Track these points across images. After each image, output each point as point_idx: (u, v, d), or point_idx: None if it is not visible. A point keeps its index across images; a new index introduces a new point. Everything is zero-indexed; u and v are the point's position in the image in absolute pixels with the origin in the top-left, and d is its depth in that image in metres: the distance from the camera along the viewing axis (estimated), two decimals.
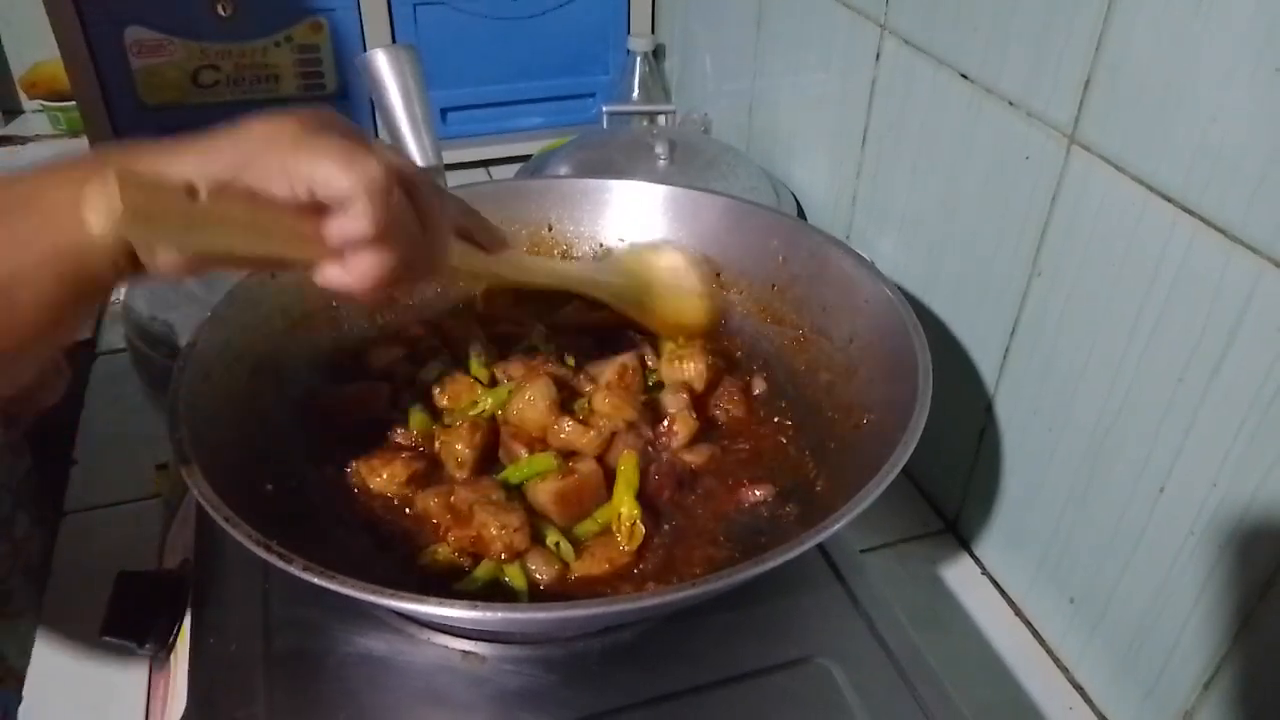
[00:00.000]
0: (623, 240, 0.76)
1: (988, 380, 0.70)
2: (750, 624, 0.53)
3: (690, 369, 0.66)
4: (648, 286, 0.69)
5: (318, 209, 0.42)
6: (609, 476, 0.58)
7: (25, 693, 0.64)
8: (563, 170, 0.95)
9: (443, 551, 0.55)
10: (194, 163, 0.40)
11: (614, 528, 0.56)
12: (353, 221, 0.42)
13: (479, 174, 1.23)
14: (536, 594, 0.54)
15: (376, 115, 1.16)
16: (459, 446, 0.59)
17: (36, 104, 1.54)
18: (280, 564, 0.43)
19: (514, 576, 0.54)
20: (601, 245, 0.76)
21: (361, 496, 0.59)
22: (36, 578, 0.73)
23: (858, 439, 0.59)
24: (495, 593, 0.53)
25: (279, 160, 0.41)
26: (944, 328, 0.74)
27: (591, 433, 0.60)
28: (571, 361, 0.67)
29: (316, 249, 0.43)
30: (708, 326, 0.70)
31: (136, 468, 0.80)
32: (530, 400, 0.61)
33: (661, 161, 0.92)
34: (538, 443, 0.60)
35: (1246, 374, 0.49)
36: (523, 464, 0.59)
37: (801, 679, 0.51)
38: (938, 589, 0.73)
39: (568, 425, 0.60)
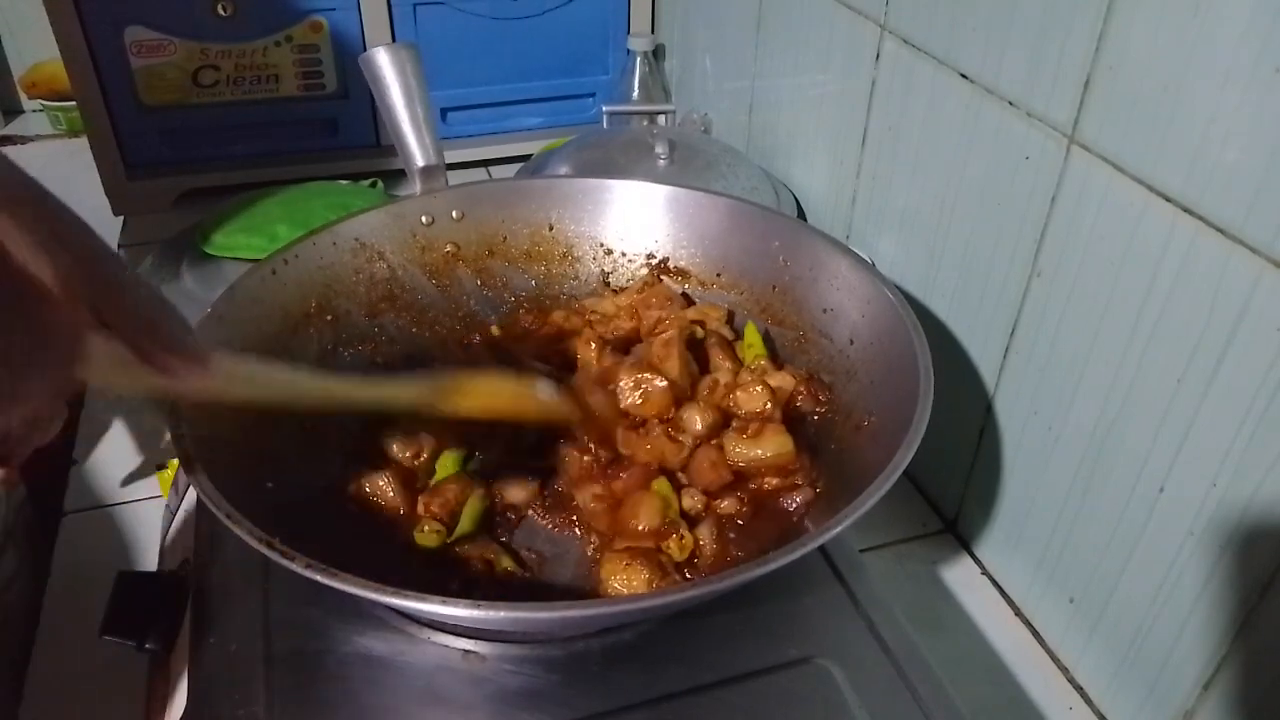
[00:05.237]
0: (623, 241, 0.76)
1: (987, 380, 0.70)
2: (750, 624, 0.53)
3: (755, 394, 0.63)
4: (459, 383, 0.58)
5: None
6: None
7: (25, 692, 0.64)
8: (563, 170, 0.95)
9: (429, 527, 0.56)
10: None
11: (670, 543, 0.55)
12: None
13: (479, 174, 1.23)
14: (537, 588, 0.54)
15: (378, 114, 1.16)
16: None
17: (36, 104, 1.54)
18: (282, 561, 0.43)
19: (505, 562, 0.55)
20: (602, 245, 0.76)
21: (361, 495, 0.59)
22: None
23: (858, 440, 0.59)
24: (488, 569, 0.55)
25: None
26: (944, 328, 0.74)
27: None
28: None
29: None
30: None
31: (136, 468, 0.80)
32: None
33: (661, 161, 0.92)
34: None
35: (1246, 374, 0.49)
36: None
37: (801, 679, 0.51)
38: (937, 589, 0.73)
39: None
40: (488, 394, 0.58)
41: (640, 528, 0.56)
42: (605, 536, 0.57)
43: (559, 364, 0.68)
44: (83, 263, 0.37)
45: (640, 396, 0.61)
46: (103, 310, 0.38)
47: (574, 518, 0.59)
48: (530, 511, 0.59)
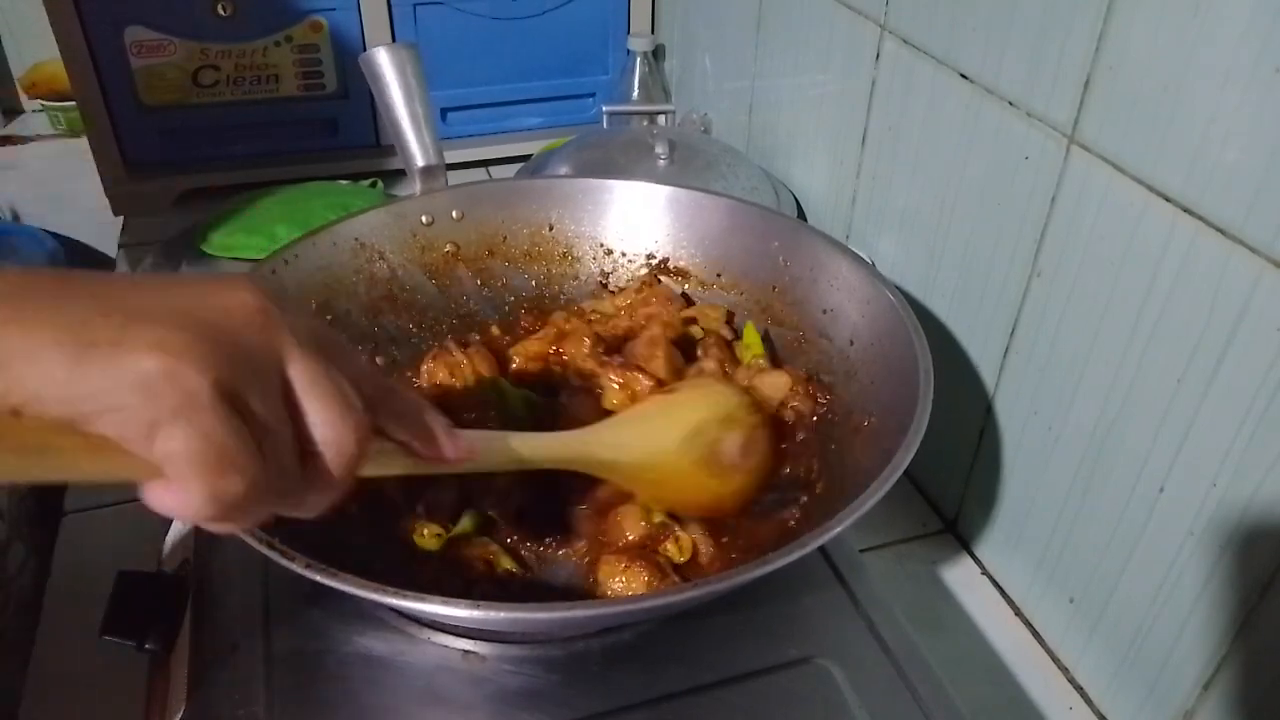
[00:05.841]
0: (623, 241, 0.76)
1: (987, 380, 0.70)
2: (750, 624, 0.53)
3: (769, 383, 0.63)
4: (663, 463, 0.55)
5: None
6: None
7: (25, 692, 0.64)
8: (563, 170, 0.95)
9: (429, 530, 0.56)
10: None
11: (668, 546, 0.55)
12: (164, 442, 0.32)
13: (479, 174, 1.23)
14: (543, 590, 0.54)
15: (378, 114, 1.16)
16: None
17: (36, 104, 1.54)
18: (283, 562, 0.43)
19: (505, 562, 0.55)
20: (602, 245, 0.76)
21: (361, 494, 0.59)
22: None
23: (858, 440, 0.59)
24: (488, 569, 0.54)
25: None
26: (943, 328, 0.74)
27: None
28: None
29: (137, 463, 0.33)
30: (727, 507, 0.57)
31: None
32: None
33: (661, 161, 0.92)
34: None
35: (1246, 374, 0.49)
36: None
37: (801, 679, 0.51)
38: (937, 589, 0.73)
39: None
40: (700, 500, 0.56)
41: (627, 538, 0.56)
42: (594, 541, 0.57)
43: (558, 364, 0.67)
44: (365, 379, 0.38)
45: (627, 397, 0.61)
46: (381, 418, 0.40)
47: (565, 521, 0.58)
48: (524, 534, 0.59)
